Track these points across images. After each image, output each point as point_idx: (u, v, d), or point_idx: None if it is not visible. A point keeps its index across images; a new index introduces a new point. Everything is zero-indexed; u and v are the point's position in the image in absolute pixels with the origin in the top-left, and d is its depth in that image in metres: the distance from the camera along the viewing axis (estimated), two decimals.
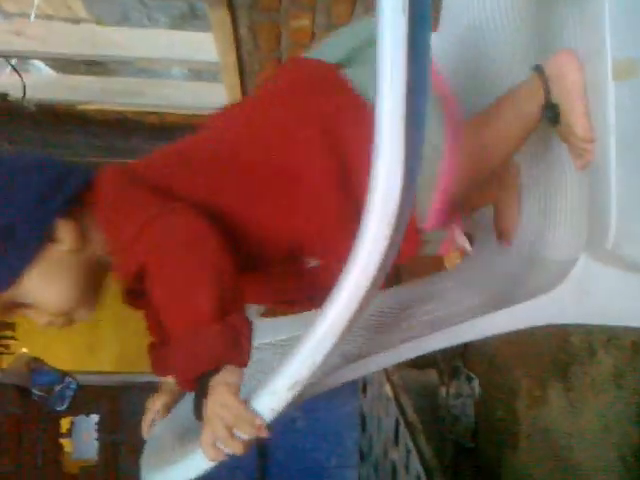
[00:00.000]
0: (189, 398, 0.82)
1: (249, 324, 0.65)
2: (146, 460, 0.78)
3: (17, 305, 0.75)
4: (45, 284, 0.74)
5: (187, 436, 0.76)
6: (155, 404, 0.89)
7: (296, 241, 0.82)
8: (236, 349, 0.62)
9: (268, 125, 0.81)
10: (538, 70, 0.88)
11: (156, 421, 0.88)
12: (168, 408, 0.90)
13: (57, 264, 0.74)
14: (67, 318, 0.78)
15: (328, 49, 0.88)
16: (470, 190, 0.96)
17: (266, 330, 1.03)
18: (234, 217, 0.76)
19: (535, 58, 0.93)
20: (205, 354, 0.62)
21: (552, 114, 0.87)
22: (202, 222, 0.69)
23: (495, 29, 1.00)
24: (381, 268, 0.52)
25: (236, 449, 0.60)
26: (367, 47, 0.85)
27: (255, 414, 0.59)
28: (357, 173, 0.76)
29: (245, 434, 0.60)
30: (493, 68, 1.02)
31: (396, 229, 0.51)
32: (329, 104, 0.80)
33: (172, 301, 0.65)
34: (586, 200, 0.81)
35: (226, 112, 0.90)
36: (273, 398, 0.57)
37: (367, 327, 0.93)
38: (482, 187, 1.04)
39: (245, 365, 0.63)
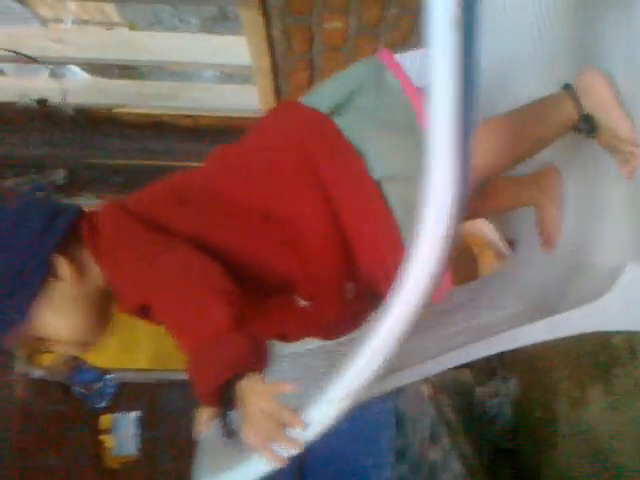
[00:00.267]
0: None
1: (263, 336, 0.67)
2: (199, 465, 0.81)
3: (39, 340, 0.81)
4: (54, 318, 0.79)
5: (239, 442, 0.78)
6: (204, 415, 0.91)
7: (283, 283, 0.84)
8: (257, 355, 0.64)
9: (264, 171, 0.84)
10: (566, 87, 0.90)
11: (205, 429, 0.90)
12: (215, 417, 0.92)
13: (62, 298, 0.79)
14: (82, 346, 0.83)
15: (321, 96, 0.89)
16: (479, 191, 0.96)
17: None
18: (224, 253, 0.78)
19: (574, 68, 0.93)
20: (229, 360, 0.63)
21: (588, 125, 0.88)
22: (199, 254, 0.73)
23: (532, 35, 1.00)
24: (435, 280, 0.53)
25: (292, 446, 0.63)
26: (355, 96, 0.87)
27: (294, 412, 0.61)
28: (348, 217, 0.80)
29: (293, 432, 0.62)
30: (524, 77, 1.02)
31: (440, 262, 0.51)
32: (323, 152, 0.82)
33: (185, 325, 0.68)
34: (632, 208, 0.81)
35: (223, 152, 0.92)
36: (330, 407, 0.59)
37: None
38: (495, 192, 1.05)
39: (263, 371, 0.65)
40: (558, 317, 0.79)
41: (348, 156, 0.81)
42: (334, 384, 0.59)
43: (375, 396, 0.82)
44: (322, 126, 0.85)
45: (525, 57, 1.04)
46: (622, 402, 1.62)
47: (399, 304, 0.55)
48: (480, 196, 1.01)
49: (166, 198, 0.84)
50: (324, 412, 0.60)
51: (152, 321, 0.79)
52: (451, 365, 0.87)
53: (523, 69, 1.05)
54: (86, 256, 0.81)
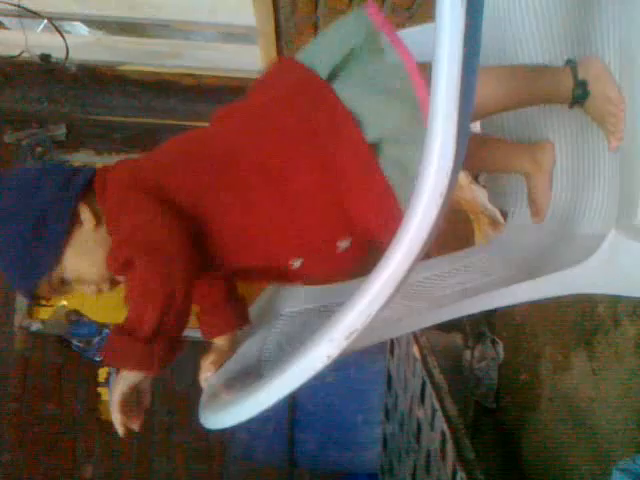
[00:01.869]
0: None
1: (170, 348, 0.80)
2: (203, 405, 0.88)
3: (65, 283, 0.90)
4: (81, 258, 0.88)
5: (235, 385, 0.86)
6: (206, 362, 1.01)
7: (279, 245, 0.91)
8: (145, 368, 0.80)
9: (266, 130, 0.89)
10: (568, 61, 0.99)
11: (209, 376, 0.98)
12: (218, 364, 1.01)
13: (86, 241, 0.88)
14: (109, 283, 0.92)
15: (318, 56, 0.92)
16: None
17: (308, 297, 1.10)
18: (223, 224, 0.88)
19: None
20: (123, 360, 0.80)
21: (582, 90, 0.97)
22: (179, 241, 0.81)
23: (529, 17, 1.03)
24: (431, 234, 0.58)
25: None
26: (351, 61, 0.90)
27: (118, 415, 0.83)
28: (343, 177, 0.85)
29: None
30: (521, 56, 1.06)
31: (445, 200, 0.56)
32: (322, 119, 0.86)
33: (133, 300, 0.80)
34: (616, 179, 0.85)
35: (229, 110, 0.98)
36: (331, 345, 0.64)
37: (405, 296, 0.99)
38: (490, 146, 1.10)
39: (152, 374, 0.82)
40: (542, 278, 0.83)
41: (344, 119, 0.85)
42: (335, 325, 0.64)
43: (369, 346, 0.87)
44: (318, 88, 0.88)
45: (522, 38, 1.07)
46: (603, 368, 1.69)
47: (401, 247, 0.60)
48: (476, 145, 1.06)
49: (177, 161, 0.91)
50: (325, 350, 0.65)
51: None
52: (440, 321, 0.92)
53: (520, 50, 1.09)
54: (99, 207, 0.90)
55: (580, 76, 0.98)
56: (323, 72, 0.89)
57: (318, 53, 0.93)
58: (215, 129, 0.96)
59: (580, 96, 0.98)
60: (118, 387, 0.81)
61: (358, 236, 0.89)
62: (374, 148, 0.84)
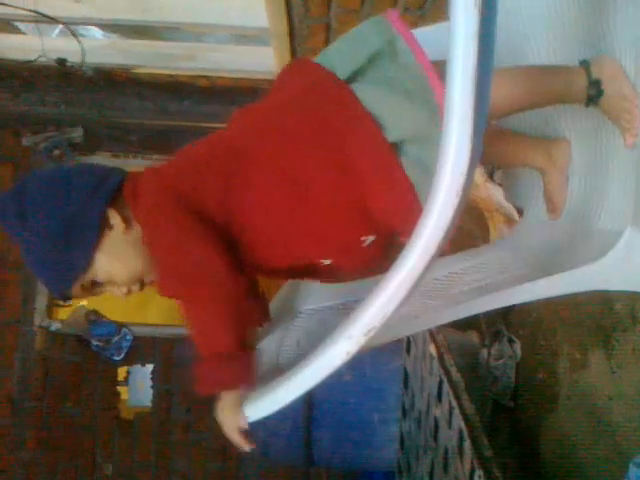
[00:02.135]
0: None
1: (253, 356, 0.84)
2: None
3: (96, 284, 0.93)
4: (112, 261, 0.91)
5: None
6: None
7: (308, 247, 0.93)
8: (242, 382, 0.82)
9: (286, 133, 0.91)
10: (582, 62, 1.00)
11: None
12: None
13: (116, 244, 0.91)
14: (139, 284, 0.95)
15: (337, 59, 0.94)
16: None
17: (326, 295, 1.11)
18: (253, 229, 0.90)
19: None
20: (221, 383, 0.82)
21: (596, 89, 0.97)
22: (220, 256, 0.84)
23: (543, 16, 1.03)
24: (447, 232, 0.58)
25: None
26: (369, 65, 0.92)
27: (238, 430, 0.84)
28: (367, 183, 0.86)
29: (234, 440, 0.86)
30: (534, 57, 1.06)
31: (461, 200, 0.56)
32: (341, 120, 0.88)
33: (199, 331, 0.84)
34: (632, 177, 0.85)
35: (248, 112, 0.99)
36: (349, 342, 0.66)
37: (421, 293, 0.99)
38: (507, 140, 1.10)
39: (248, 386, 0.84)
40: (559, 275, 0.84)
41: (364, 120, 0.86)
42: (354, 322, 0.65)
43: (386, 343, 0.88)
44: (338, 90, 0.89)
45: (537, 38, 1.07)
46: (621, 366, 1.68)
47: (418, 247, 0.61)
48: (491, 137, 1.06)
49: (201, 167, 0.92)
50: (344, 347, 0.66)
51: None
52: (456, 318, 0.93)
53: (536, 50, 1.09)
54: (129, 212, 0.92)
55: (594, 75, 0.98)
56: (343, 73, 0.91)
57: (338, 56, 0.94)
58: (232, 130, 0.97)
59: (594, 95, 0.98)
60: (228, 416, 0.83)
61: (382, 231, 0.91)
62: (395, 148, 0.86)
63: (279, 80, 1.02)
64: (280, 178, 0.88)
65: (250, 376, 0.82)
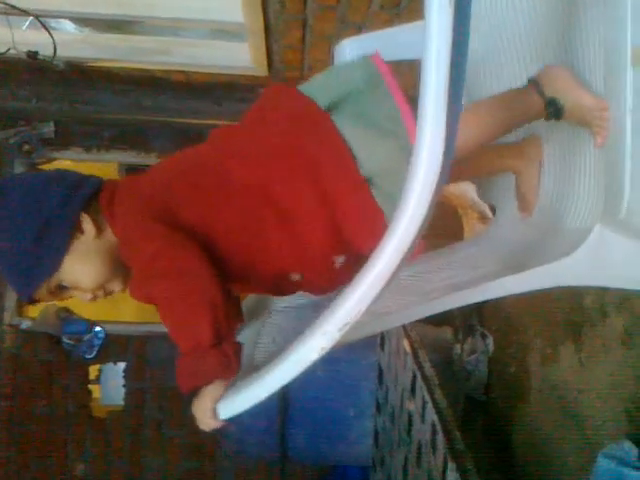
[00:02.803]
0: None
1: (238, 348, 0.82)
2: None
3: (62, 288, 0.93)
4: (80, 266, 0.91)
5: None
6: None
7: (281, 262, 0.95)
8: (226, 371, 0.80)
9: (268, 158, 0.92)
10: (530, 80, 1.01)
11: None
12: None
13: (86, 249, 0.91)
14: (104, 291, 0.95)
15: (320, 90, 0.97)
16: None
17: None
18: (227, 241, 0.90)
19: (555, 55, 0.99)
20: (202, 375, 0.80)
21: (554, 108, 0.97)
22: (198, 257, 0.84)
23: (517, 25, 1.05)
24: (419, 231, 0.60)
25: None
26: (351, 98, 0.95)
27: (215, 422, 0.81)
28: (340, 206, 0.89)
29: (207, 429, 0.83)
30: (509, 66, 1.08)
31: (434, 197, 0.57)
32: (320, 149, 0.90)
33: (177, 327, 0.82)
34: (602, 175, 0.87)
35: (228, 134, 1.01)
36: (324, 338, 0.66)
37: (395, 290, 1.00)
38: (478, 156, 1.13)
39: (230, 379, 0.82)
40: (530, 271, 0.85)
41: (341, 152, 0.90)
42: (329, 318, 0.66)
43: (361, 338, 0.89)
44: (320, 121, 0.93)
45: (508, 36, 1.10)
46: (590, 359, 1.72)
47: (392, 242, 0.62)
48: (463, 160, 1.09)
49: (177, 181, 0.93)
50: (318, 342, 0.67)
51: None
52: (430, 313, 0.94)
53: (507, 50, 1.11)
54: (102, 219, 0.93)
55: (548, 94, 0.97)
56: (323, 102, 0.94)
57: (320, 86, 0.97)
58: (212, 151, 0.98)
59: (555, 113, 0.98)
60: (205, 406, 0.81)
61: (352, 252, 0.93)
62: (368, 181, 0.89)
63: (261, 103, 1.03)
64: (259, 200, 0.90)
65: (236, 366, 0.81)
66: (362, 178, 0.89)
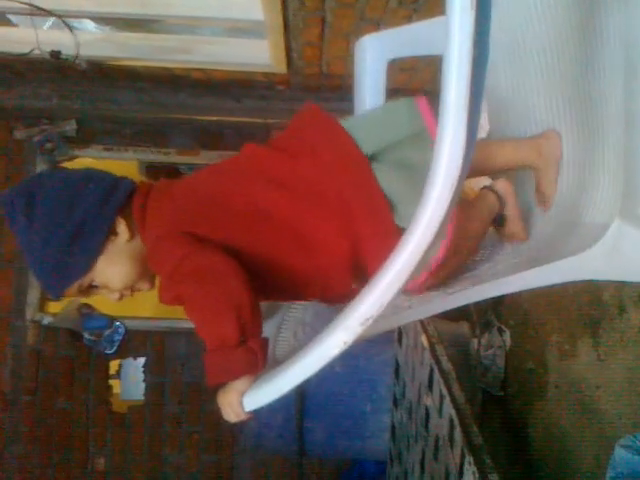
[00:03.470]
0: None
1: (264, 344, 0.84)
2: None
3: (92, 287, 0.96)
4: (111, 267, 0.95)
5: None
6: None
7: (300, 290, 0.98)
8: (252, 368, 0.82)
9: (305, 195, 0.94)
10: (489, 188, 1.11)
11: None
12: None
13: (118, 251, 0.95)
14: (131, 291, 0.99)
15: (364, 133, 0.98)
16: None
17: None
18: (252, 265, 0.91)
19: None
20: (229, 371, 0.82)
21: (500, 220, 1.11)
22: (226, 261, 0.85)
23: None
24: (440, 229, 0.61)
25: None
26: (397, 146, 0.97)
27: (243, 414, 0.82)
28: (369, 251, 0.92)
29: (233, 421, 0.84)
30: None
31: (453, 199, 0.59)
32: (357, 197, 0.93)
33: (203, 326, 0.84)
34: (621, 170, 0.87)
35: (268, 156, 1.00)
36: (346, 332, 0.68)
37: None
38: (495, 155, 1.17)
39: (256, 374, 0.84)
40: (548, 265, 0.86)
41: (382, 205, 0.92)
42: (351, 312, 0.68)
43: (381, 333, 0.91)
44: (363, 170, 0.95)
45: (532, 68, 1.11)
46: (608, 355, 1.72)
47: (414, 237, 0.63)
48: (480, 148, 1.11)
49: (206, 206, 0.96)
50: (341, 336, 0.68)
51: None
52: (448, 308, 0.96)
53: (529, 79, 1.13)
54: (134, 224, 0.96)
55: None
56: (367, 149, 0.96)
57: (365, 131, 0.98)
58: (250, 173, 0.98)
59: (499, 222, 1.11)
60: (232, 400, 0.83)
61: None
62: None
63: (301, 128, 1.03)
64: (290, 237, 0.93)
65: (262, 362, 0.83)
66: (399, 230, 0.89)
